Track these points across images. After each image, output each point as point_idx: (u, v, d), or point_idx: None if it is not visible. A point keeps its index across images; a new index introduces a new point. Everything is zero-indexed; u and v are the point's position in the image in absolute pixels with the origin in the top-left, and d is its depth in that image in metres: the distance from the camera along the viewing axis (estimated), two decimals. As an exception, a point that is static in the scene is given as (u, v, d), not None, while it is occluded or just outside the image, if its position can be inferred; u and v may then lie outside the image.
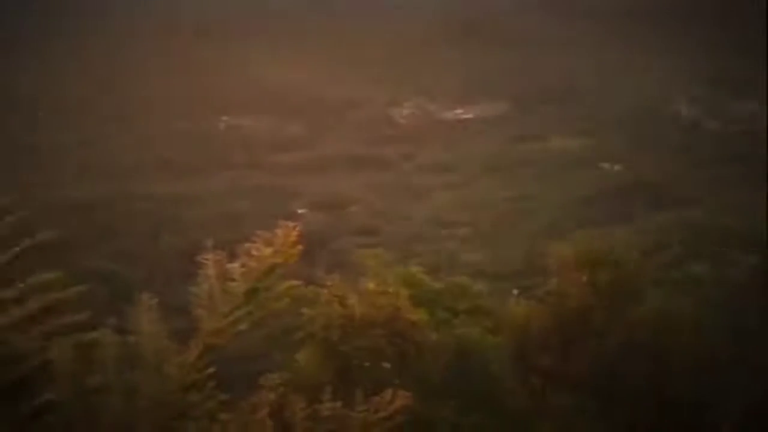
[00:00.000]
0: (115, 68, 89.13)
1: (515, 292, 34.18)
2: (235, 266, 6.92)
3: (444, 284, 30.43)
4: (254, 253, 6.90)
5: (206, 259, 6.94)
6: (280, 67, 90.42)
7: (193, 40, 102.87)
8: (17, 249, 7.85)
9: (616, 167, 60.10)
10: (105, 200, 54.24)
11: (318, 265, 37.60)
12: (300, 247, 6.89)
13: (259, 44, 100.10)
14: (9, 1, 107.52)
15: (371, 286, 27.47)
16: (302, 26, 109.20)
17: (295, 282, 6.98)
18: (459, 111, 77.23)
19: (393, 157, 67.31)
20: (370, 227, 53.06)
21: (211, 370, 6.85)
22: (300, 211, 54.96)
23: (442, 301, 28.82)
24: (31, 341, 7.42)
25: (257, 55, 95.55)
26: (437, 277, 32.21)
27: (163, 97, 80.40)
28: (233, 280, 6.91)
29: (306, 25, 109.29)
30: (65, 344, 7.06)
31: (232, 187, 59.21)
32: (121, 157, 66.06)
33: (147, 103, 79.47)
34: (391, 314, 26.16)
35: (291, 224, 6.96)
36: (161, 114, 77.10)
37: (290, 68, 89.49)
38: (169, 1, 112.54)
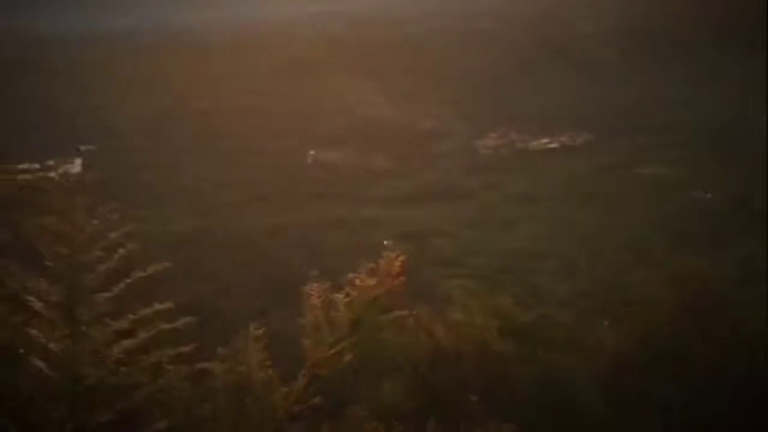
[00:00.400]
0: (209, 107, 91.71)
1: (606, 323, 33.60)
2: (339, 297, 7.05)
3: (532, 316, 30.15)
4: (358, 283, 7.03)
5: (311, 290, 7.09)
6: (365, 100, 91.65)
7: (282, 75, 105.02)
8: (129, 281, 8.13)
9: (709, 195, 58.67)
10: (201, 234, 55.48)
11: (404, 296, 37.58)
12: (403, 278, 6.99)
13: (346, 78, 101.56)
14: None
15: (458, 316, 27.44)
16: (387, 60, 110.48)
17: (400, 312, 7.08)
18: (545, 140, 76.70)
19: (477, 188, 67.15)
20: (455, 258, 52.81)
21: (317, 400, 6.97)
22: (386, 242, 55.06)
23: (531, 333, 28.54)
24: (142, 372, 7.66)
25: (343, 89, 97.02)
26: (525, 309, 31.92)
27: (253, 132, 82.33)
28: (338, 310, 7.04)
29: (391, 58, 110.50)
30: (177, 374, 7.27)
31: (319, 220, 59.83)
32: (213, 192, 67.84)
33: (241, 138, 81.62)
34: (478, 346, 26.03)
35: (394, 254, 7.07)
36: (252, 148, 78.98)
37: (376, 101, 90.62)
38: (261, 37, 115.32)
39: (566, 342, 28.51)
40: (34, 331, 7.66)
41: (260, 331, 7.29)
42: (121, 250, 7.97)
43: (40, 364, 7.45)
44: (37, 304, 7.65)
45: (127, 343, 7.69)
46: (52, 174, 61.88)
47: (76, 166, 74.83)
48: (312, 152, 79.04)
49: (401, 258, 6.97)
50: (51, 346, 7.51)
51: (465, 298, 28.98)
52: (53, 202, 8.37)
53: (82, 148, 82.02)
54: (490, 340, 25.60)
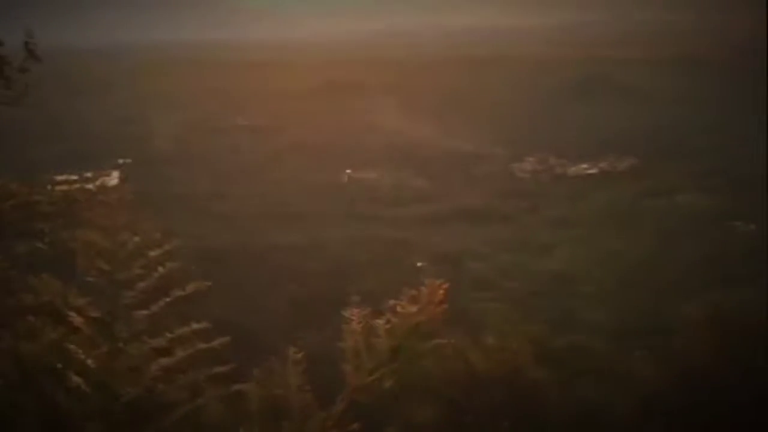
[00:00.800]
0: (245, 124, 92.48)
1: (639, 352, 33.08)
2: (380, 323, 6.93)
3: (566, 342, 29.78)
4: (399, 310, 6.90)
5: (352, 315, 6.97)
6: (405, 122, 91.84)
7: (318, 94, 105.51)
8: (168, 299, 8.08)
9: (751, 226, 57.73)
10: (234, 250, 55.64)
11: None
12: (445, 305, 6.85)
13: (383, 99, 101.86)
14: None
15: (492, 341, 27.13)
16: (428, 83, 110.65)
17: (441, 341, 6.94)
18: (583, 166, 76.29)
19: (514, 212, 66.87)
20: (490, 282, 52.50)
21: (355, 426, 6.85)
22: (419, 263, 54.95)
23: (565, 360, 28.18)
24: (179, 391, 7.58)
25: (381, 109, 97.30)
26: (559, 335, 31.57)
27: (289, 150, 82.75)
28: (378, 336, 6.92)
29: (432, 81, 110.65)
30: (213, 395, 7.19)
31: (353, 239, 59.86)
32: (247, 208, 68.22)
33: (276, 156, 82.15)
34: (512, 372, 25.71)
35: (437, 282, 6.94)
36: (288, 166, 79.46)
37: (413, 123, 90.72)
38: (298, 56, 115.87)
39: (600, 370, 28.11)
40: (72, 347, 7.62)
41: (299, 355, 7.19)
42: (160, 269, 7.92)
43: (78, 379, 7.41)
44: (77, 320, 7.62)
45: (164, 361, 7.62)
46: (90, 186, 62.46)
47: (114, 178, 75.61)
48: (348, 171, 79.35)
49: (444, 286, 6.83)
50: (89, 362, 7.47)
51: (500, 323, 28.72)
52: (96, 218, 8.36)
53: (120, 160, 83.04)
54: (524, 367, 25.30)
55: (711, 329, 27.92)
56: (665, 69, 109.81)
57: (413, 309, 6.89)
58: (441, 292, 6.88)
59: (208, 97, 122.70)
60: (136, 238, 7.88)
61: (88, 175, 71.73)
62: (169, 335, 7.97)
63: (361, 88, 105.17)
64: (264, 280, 49.79)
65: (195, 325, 8.01)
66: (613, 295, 49.04)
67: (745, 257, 52.00)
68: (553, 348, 28.70)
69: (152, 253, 7.97)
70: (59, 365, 7.84)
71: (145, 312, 7.76)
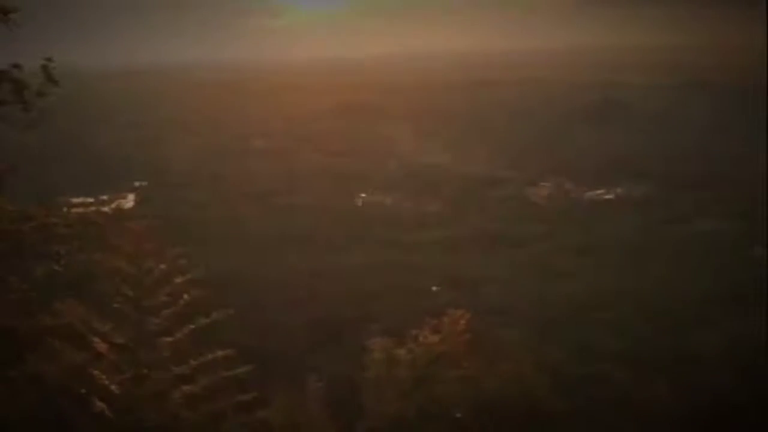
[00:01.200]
0: (261, 147, 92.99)
1: (660, 382, 32.77)
2: (402, 353, 6.97)
3: (584, 372, 29.61)
4: (421, 340, 6.95)
5: (374, 345, 7.03)
6: (418, 145, 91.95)
7: (334, 117, 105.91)
8: (192, 326, 8.16)
9: (768, 251, 57.12)
10: (249, 274, 55.52)
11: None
12: (468, 335, 6.89)
13: (398, 122, 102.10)
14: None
15: (507, 368, 26.94)
16: (440, 105, 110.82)
17: (464, 371, 6.97)
18: (600, 191, 76.04)
19: (529, 237, 66.65)
20: (505, 307, 52.07)
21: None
22: (434, 288, 54.77)
23: (582, 390, 28.01)
24: (202, 418, 7.64)
25: (395, 133, 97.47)
26: (576, 363, 31.37)
27: (305, 173, 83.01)
28: (400, 366, 6.96)
29: (444, 104, 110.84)
30: (236, 423, 7.24)
31: (367, 263, 59.70)
32: (260, 231, 68.40)
33: (291, 178, 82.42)
34: (529, 401, 25.53)
35: (459, 312, 6.99)
36: (303, 189, 79.66)
37: (428, 147, 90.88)
38: (315, 79, 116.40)
39: (619, 400, 27.85)
40: (96, 372, 7.69)
41: (319, 384, 7.24)
42: (185, 296, 8.02)
43: (101, 405, 7.47)
44: (102, 346, 7.70)
45: (187, 388, 7.69)
46: (106, 208, 62.90)
47: (129, 201, 76.03)
48: (363, 195, 79.51)
49: (466, 316, 6.87)
50: (113, 387, 7.54)
51: (516, 351, 28.53)
52: (121, 244, 8.45)
53: (137, 183, 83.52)
54: (541, 397, 25.10)
55: (729, 357, 27.73)
56: (679, 93, 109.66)
57: (435, 339, 6.94)
58: (463, 322, 6.92)
59: (226, 119, 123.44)
60: (163, 266, 7.98)
61: (104, 197, 72.22)
62: (193, 362, 8.05)
63: (376, 111, 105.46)
64: (279, 302, 49.55)
65: (219, 353, 8.09)
66: (630, 324, 48.42)
67: (764, 283, 51.26)
68: (570, 376, 28.51)
69: (177, 281, 8.08)
70: (83, 390, 7.91)
71: (169, 339, 7.84)
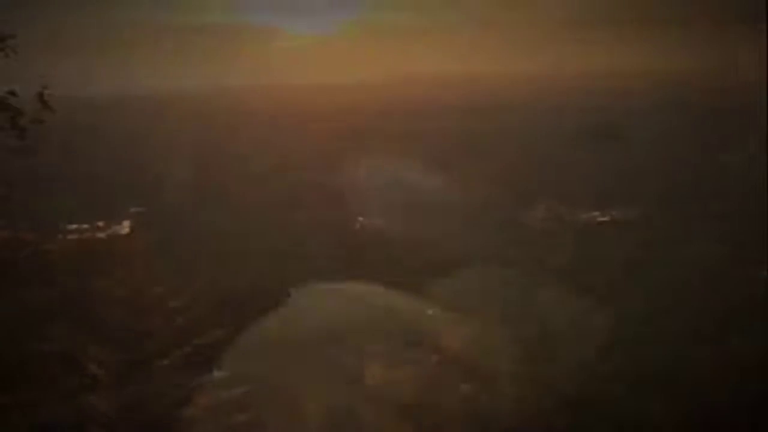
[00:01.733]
0: (259, 172, 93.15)
1: (658, 401, 32.69)
2: (400, 375, 6.95)
3: (582, 390, 29.57)
4: (419, 361, 6.93)
5: (372, 369, 7.01)
6: (416, 169, 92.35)
7: (331, 142, 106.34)
8: (188, 349, 8.14)
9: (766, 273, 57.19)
10: (240, 296, 55.60)
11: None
12: (465, 358, 6.88)
13: (394, 146, 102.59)
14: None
15: (507, 388, 26.98)
16: (438, 130, 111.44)
17: (464, 393, 6.95)
18: (594, 214, 76.16)
19: (523, 260, 66.85)
20: (502, 328, 52.01)
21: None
22: (429, 311, 54.86)
23: (582, 407, 27.98)
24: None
25: (391, 158, 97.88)
26: (575, 382, 31.32)
27: (303, 197, 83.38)
28: (399, 388, 6.94)
29: (441, 128, 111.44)
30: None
31: (365, 284, 59.92)
32: (256, 251, 68.60)
33: (290, 203, 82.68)
34: (528, 420, 25.55)
35: (456, 333, 6.98)
36: (302, 212, 79.95)
37: (426, 171, 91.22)
38: (310, 104, 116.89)
39: (618, 418, 27.78)
40: (93, 398, 7.66)
41: (318, 407, 7.20)
42: (179, 319, 8.00)
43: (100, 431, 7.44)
44: (98, 371, 7.67)
45: (186, 410, 7.66)
46: (101, 235, 62.84)
47: (125, 227, 76.01)
48: (360, 218, 79.75)
49: (463, 338, 6.87)
50: (110, 414, 7.50)
51: (514, 369, 28.57)
52: (113, 268, 8.47)
53: (133, 209, 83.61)
54: (540, 414, 25.10)
55: (728, 379, 27.70)
56: (671, 116, 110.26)
57: (434, 359, 6.91)
58: (460, 343, 6.91)
59: (223, 144, 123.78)
60: (158, 288, 7.97)
61: (100, 224, 72.19)
62: (190, 384, 8.03)
63: (374, 137, 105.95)
64: (268, 326, 49.57)
65: (216, 374, 8.08)
66: (627, 344, 48.33)
67: (763, 304, 51.24)
68: (569, 395, 28.48)
69: (173, 304, 8.07)
70: (79, 417, 7.91)
71: (165, 362, 7.82)
